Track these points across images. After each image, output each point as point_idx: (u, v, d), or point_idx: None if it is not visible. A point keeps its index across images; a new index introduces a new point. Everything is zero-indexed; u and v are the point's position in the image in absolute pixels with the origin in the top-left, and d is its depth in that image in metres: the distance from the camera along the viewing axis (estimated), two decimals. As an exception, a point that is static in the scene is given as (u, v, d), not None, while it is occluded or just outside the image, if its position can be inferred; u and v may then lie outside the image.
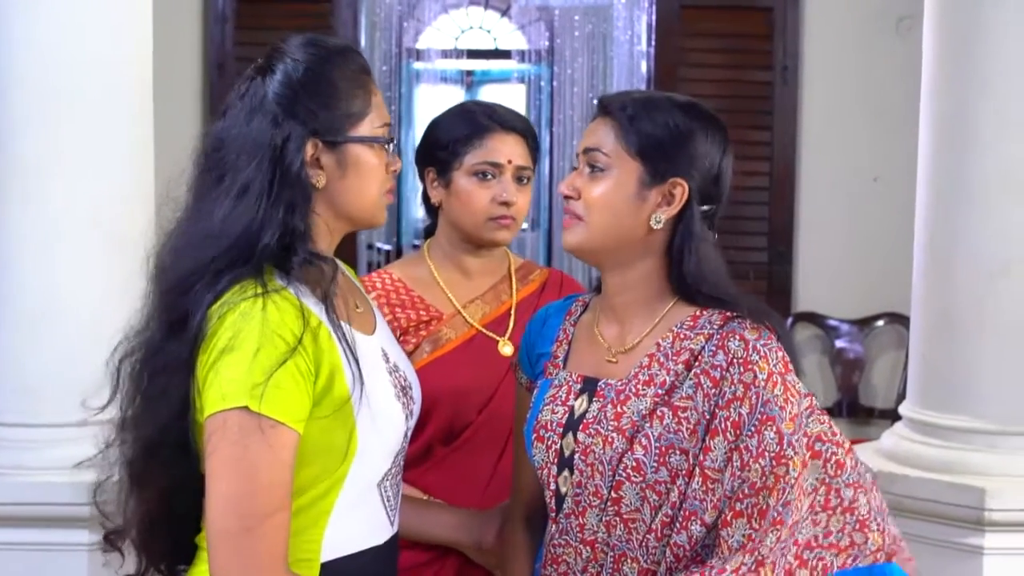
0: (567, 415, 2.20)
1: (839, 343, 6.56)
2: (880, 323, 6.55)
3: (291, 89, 2.03)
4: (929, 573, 3.42)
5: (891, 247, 5.91)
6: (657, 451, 2.11)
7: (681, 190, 2.19)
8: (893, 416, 3.72)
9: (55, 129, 3.31)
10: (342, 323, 2.02)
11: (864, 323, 6.55)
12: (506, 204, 2.69)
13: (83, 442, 3.25)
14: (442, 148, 2.72)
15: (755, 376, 2.11)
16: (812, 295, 6.58)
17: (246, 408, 1.87)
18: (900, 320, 6.35)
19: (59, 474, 3.24)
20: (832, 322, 6.57)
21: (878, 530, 2.16)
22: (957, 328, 3.47)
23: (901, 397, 3.76)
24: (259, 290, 1.93)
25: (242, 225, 1.97)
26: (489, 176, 2.70)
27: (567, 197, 2.23)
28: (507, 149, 2.71)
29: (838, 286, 6.57)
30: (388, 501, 2.11)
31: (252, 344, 1.89)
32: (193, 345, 1.94)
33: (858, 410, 6.53)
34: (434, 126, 2.79)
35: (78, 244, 3.32)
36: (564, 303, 2.42)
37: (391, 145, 2.14)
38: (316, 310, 1.99)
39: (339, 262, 2.23)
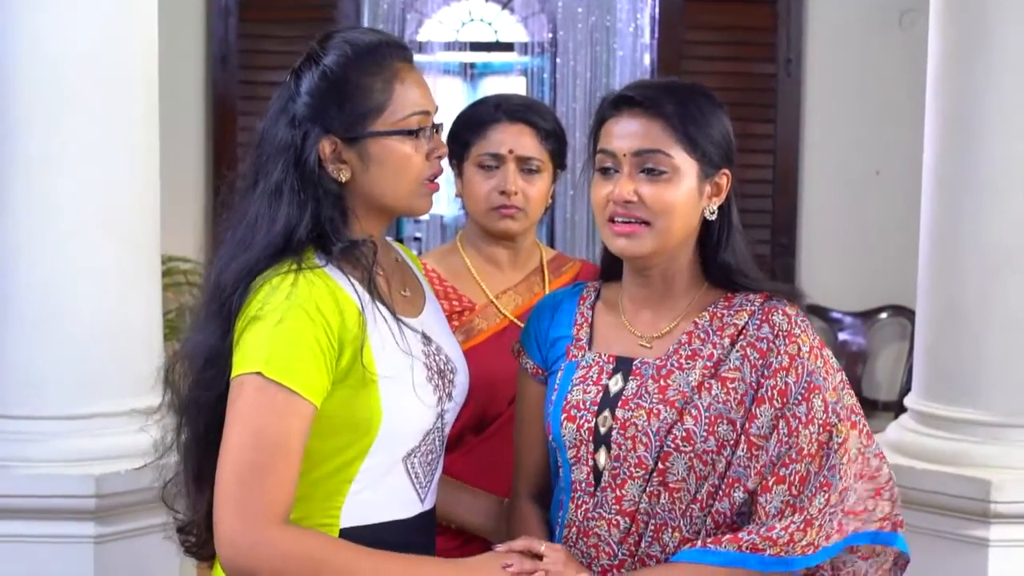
0: (601, 394, 2.24)
1: (842, 335, 6.57)
2: (883, 315, 6.55)
3: (308, 91, 2.10)
4: (934, 565, 3.43)
5: (894, 240, 5.92)
6: (707, 421, 2.17)
7: (726, 179, 2.27)
8: (897, 408, 3.74)
9: (61, 126, 3.31)
10: (378, 304, 2.08)
11: (867, 315, 6.56)
12: (506, 194, 2.72)
13: (89, 435, 3.29)
14: (455, 141, 2.77)
15: (799, 348, 2.20)
16: (815, 288, 6.54)
17: (260, 373, 1.95)
18: (903, 312, 6.36)
19: (65, 467, 3.25)
20: (835, 314, 6.57)
21: (889, 499, 2.26)
22: (963, 320, 3.47)
23: (904, 389, 3.77)
24: (294, 266, 2.02)
25: (278, 224, 2.05)
26: (492, 167, 2.73)
27: (628, 202, 2.20)
28: (509, 139, 2.73)
29: (841, 278, 6.58)
30: (416, 477, 2.16)
31: (277, 314, 1.98)
32: (230, 320, 2.03)
33: (861, 403, 6.48)
34: (455, 120, 2.83)
35: (84, 240, 3.32)
36: (574, 289, 2.44)
37: (426, 131, 2.16)
38: (350, 291, 2.06)
39: (396, 246, 2.32)
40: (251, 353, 1.97)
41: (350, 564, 1.99)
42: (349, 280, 2.07)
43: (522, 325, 2.73)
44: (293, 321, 1.97)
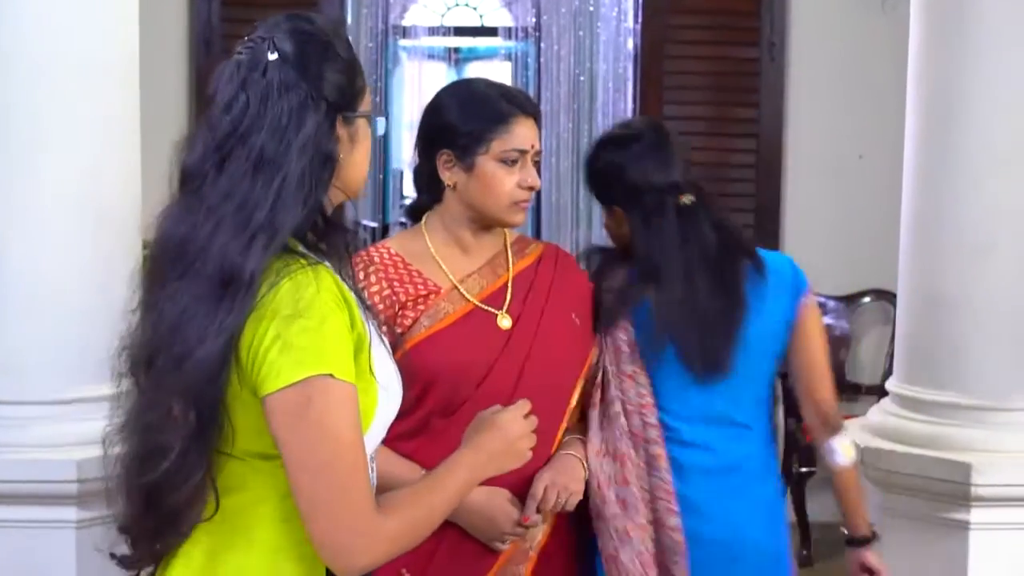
0: None
1: (825, 319, 6.53)
2: (866, 300, 6.57)
3: (317, 68, 2.01)
4: (916, 548, 3.45)
5: (877, 224, 5.92)
6: None
7: None
8: (880, 392, 3.74)
9: (41, 110, 3.31)
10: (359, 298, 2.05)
11: (850, 300, 6.57)
12: (531, 189, 2.74)
13: (70, 420, 3.28)
14: (464, 132, 2.73)
15: None
16: (798, 271, 6.58)
17: (330, 375, 1.89)
18: (886, 296, 6.37)
19: (47, 451, 3.25)
20: (819, 299, 6.55)
21: None
22: (943, 304, 3.48)
23: (888, 373, 3.79)
24: (303, 263, 1.96)
25: (299, 209, 1.97)
26: (515, 162, 2.72)
27: None
28: (530, 135, 2.75)
29: (824, 263, 6.55)
30: (372, 471, 2.10)
31: (317, 312, 1.91)
32: (243, 317, 1.92)
33: (845, 387, 6.54)
34: (448, 108, 2.77)
35: (65, 226, 3.32)
36: None
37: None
38: (347, 284, 2.03)
39: None
40: (307, 356, 1.89)
41: (431, 506, 2.03)
42: (340, 275, 2.04)
43: (487, 308, 2.74)
44: (334, 318, 1.93)
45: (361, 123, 2.09)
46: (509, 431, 2.19)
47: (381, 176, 8.03)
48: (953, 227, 3.45)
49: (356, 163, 2.09)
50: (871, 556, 3.03)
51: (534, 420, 2.23)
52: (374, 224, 8.16)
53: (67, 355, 3.29)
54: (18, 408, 3.29)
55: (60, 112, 3.31)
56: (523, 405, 2.24)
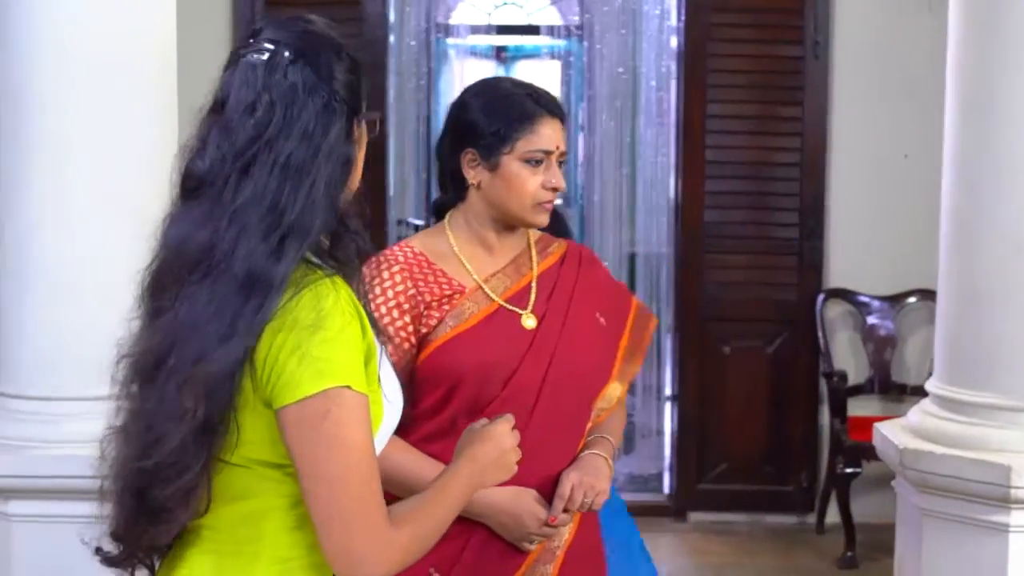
0: None
1: (871, 319, 6.53)
2: (912, 300, 6.52)
3: (331, 69, 1.99)
4: (954, 550, 3.42)
5: (922, 223, 5.87)
6: None
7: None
8: (925, 393, 3.71)
9: (77, 104, 3.32)
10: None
11: (896, 299, 6.52)
12: (555, 190, 2.73)
13: (101, 417, 3.28)
14: (489, 131, 2.72)
15: None
16: (843, 271, 6.55)
17: (347, 387, 1.89)
18: (932, 296, 6.25)
19: (80, 447, 3.25)
20: (863, 298, 6.54)
21: None
22: (983, 304, 3.44)
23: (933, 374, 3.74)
24: (321, 273, 1.94)
25: (331, 213, 1.97)
26: (539, 163, 2.71)
27: None
28: (555, 135, 2.74)
29: (869, 262, 6.54)
30: None
31: (335, 322, 1.90)
32: (268, 315, 1.90)
33: (890, 387, 6.50)
34: (472, 107, 2.77)
35: (99, 218, 3.33)
36: None
37: None
38: (358, 297, 2.01)
39: None
40: (327, 367, 1.88)
41: (439, 516, 2.04)
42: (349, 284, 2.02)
43: (512, 308, 2.73)
44: (349, 329, 1.92)
45: (363, 125, 2.07)
46: (502, 442, 2.20)
47: (425, 175, 8.03)
48: (993, 225, 3.41)
49: (359, 165, 2.07)
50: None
51: (518, 434, 2.24)
52: (419, 222, 8.17)
53: (99, 352, 3.28)
54: (53, 404, 3.31)
55: (96, 109, 3.32)
56: (510, 418, 2.25)
